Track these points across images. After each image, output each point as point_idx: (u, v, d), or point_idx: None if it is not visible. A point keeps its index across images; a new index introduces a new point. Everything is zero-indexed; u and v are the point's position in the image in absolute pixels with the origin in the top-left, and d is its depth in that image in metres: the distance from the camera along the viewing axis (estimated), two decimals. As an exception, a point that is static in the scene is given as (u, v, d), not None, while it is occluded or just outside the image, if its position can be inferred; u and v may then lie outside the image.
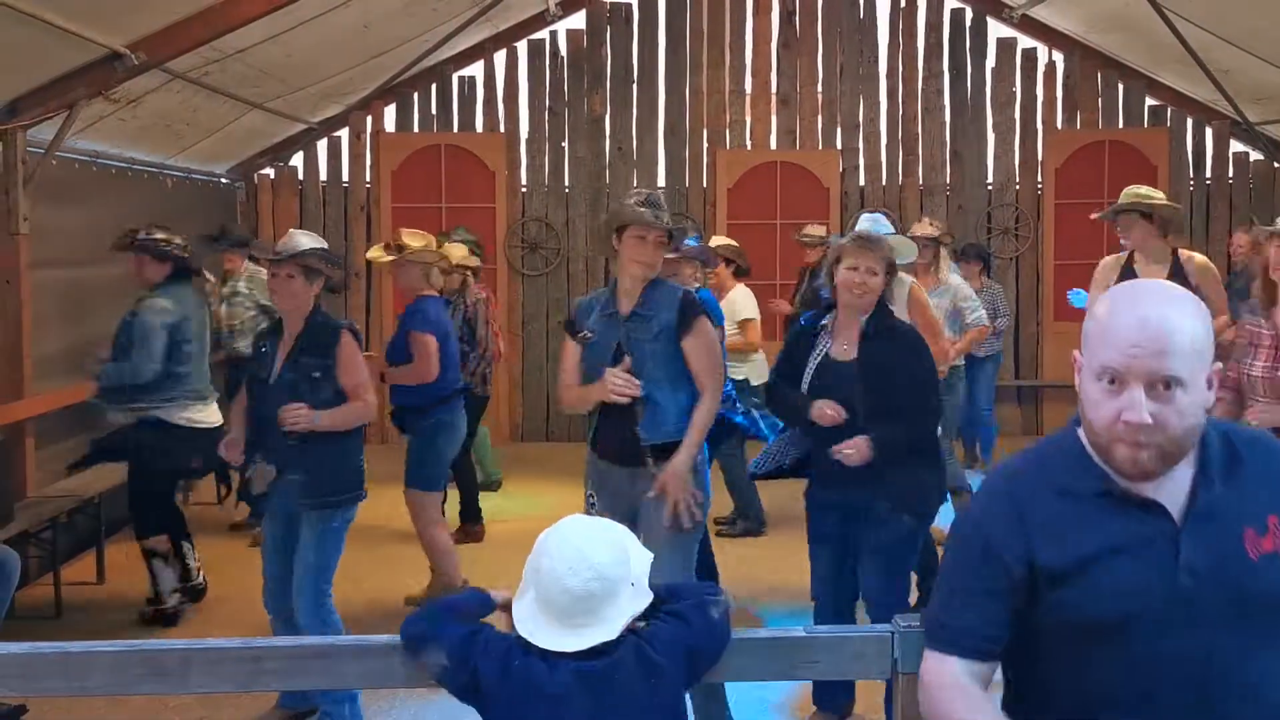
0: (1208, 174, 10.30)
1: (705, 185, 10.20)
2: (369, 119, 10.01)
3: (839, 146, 10.23)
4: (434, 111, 10.17)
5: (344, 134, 10.06)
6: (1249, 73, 8.77)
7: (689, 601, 2.53)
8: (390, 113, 10.16)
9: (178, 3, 6.00)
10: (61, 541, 5.96)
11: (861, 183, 10.25)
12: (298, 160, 10.10)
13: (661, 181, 10.23)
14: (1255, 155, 10.23)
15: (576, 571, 2.39)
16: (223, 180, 9.57)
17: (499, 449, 8.57)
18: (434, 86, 10.13)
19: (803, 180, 10.02)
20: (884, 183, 10.26)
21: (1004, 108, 10.27)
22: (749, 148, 10.26)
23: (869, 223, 5.22)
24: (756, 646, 2.62)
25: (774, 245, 9.94)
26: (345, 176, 10.09)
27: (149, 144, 7.74)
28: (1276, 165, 10.16)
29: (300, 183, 10.07)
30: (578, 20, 10.17)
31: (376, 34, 8.17)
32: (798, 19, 10.22)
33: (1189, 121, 10.26)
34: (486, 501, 7.18)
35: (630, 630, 2.49)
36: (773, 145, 10.26)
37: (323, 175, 10.10)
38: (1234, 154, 10.27)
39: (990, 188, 10.29)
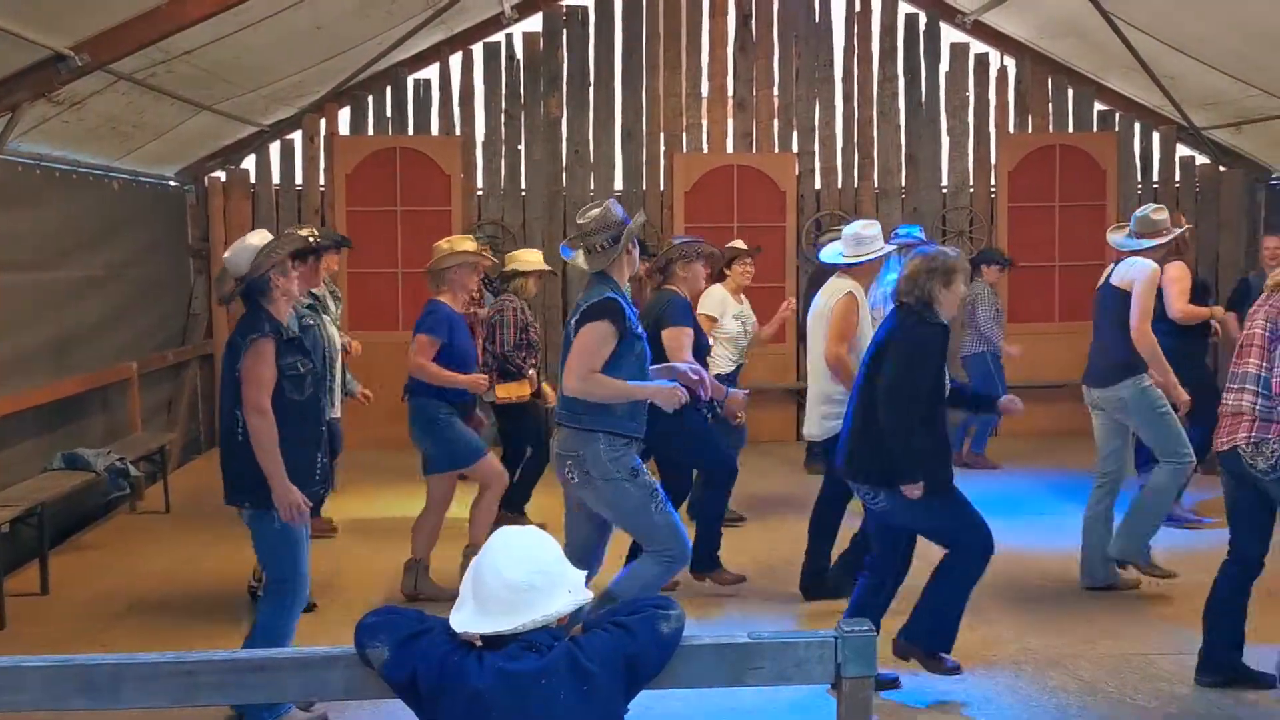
0: (1155, 177, 10.45)
1: (662, 188, 10.20)
2: (323, 121, 9.92)
3: (795, 150, 10.27)
4: (389, 114, 10.10)
5: (297, 136, 9.96)
6: (1195, 79, 8.90)
7: (640, 615, 2.57)
8: (344, 115, 10.07)
9: (123, 3, 5.91)
10: (2, 552, 5.85)
11: (818, 186, 10.29)
12: (249, 163, 9.98)
13: (618, 185, 10.23)
14: (1201, 159, 10.39)
15: (519, 564, 2.47)
16: (172, 183, 9.45)
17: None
18: (388, 89, 10.06)
19: (759, 183, 10.05)
20: (840, 186, 10.31)
21: (958, 112, 10.35)
22: (706, 151, 10.27)
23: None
24: (702, 654, 2.64)
25: (730, 248, 9.98)
26: (299, 179, 9.99)
27: (95, 146, 7.62)
28: (1222, 169, 10.33)
29: (252, 185, 9.96)
30: (534, 23, 10.14)
31: (329, 36, 8.10)
32: (754, 22, 10.25)
33: (1137, 126, 10.40)
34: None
35: (569, 637, 2.52)
36: (729, 148, 10.28)
37: (276, 178, 9.99)
38: (1180, 158, 10.43)
39: (945, 190, 10.37)
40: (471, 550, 5.71)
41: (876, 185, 10.31)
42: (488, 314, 6.95)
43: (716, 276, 7.03)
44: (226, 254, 4.39)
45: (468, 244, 5.90)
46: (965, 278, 4.53)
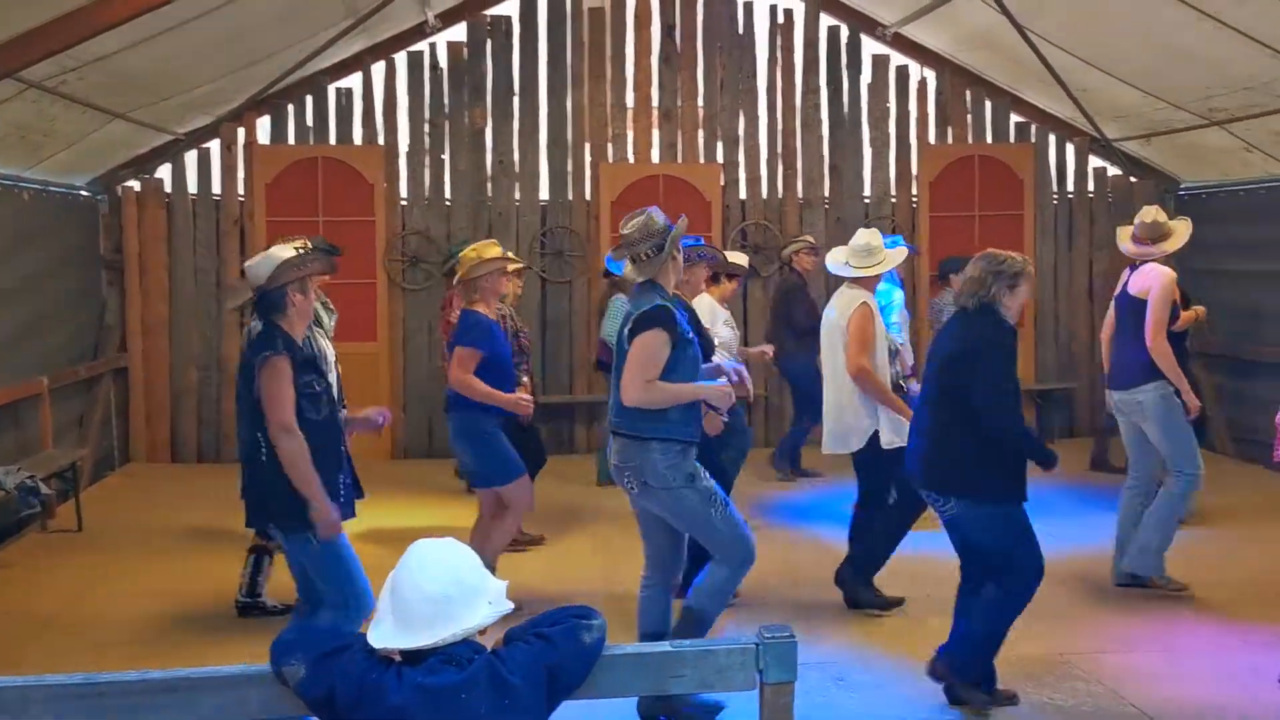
0: (1070, 188, 10.70)
1: (588, 198, 10.20)
2: (241, 130, 9.75)
3: (720, 160, 10.33)
4: (310, 123, 9.95)
5: (214, 145, 9.78)
6: (1105, 92, 9.14)
7: (561, 625, 2.56)
8: (264, 124, 9.91)
9: (31, 9, 5.75)
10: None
11: (742, 196, 10.37)
12: (164, 172, 9.77)
13: (544, 195, 10.20)
14: (1113, 170, 10.67)
15: (436, 577, 2.45)
16: (83, 193, 9.20)
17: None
18: (309, 98, 9.92)
19: (685, 193, 10.09)
20: (764, 196, 10.40)
21: (879, 123, 10.50)
22: (631, 161, 10.30)
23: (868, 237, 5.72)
24: (624, 662, 2.64)
25: (657, 258, 10.01)
26: (216, 189, 9.80)
27: (4, 156, 7.40)
28: (1133, 180, 10.61)
29: (167, 195, 9.75)
30: (457, 33, 10.08)
31: (246, 43, 7.97)
32: (678, 34, 10.30)
33: (1052, 137, 10.65)
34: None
35: (490, 650, 2.50)
36: (655, 158, 10.31)
37: (192, 188, 9.79)
38: (1093, 169, 10.70)
39: (867, 201, 10.51)
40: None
41: (800, 195, 10.41)
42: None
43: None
44: (249, 263, 4.30)
45: (494, 250, 5.82)
46: (1030, 283, 4.54)
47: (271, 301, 4.18)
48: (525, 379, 6.67)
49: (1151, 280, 5.79)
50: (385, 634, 2.46)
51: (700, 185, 10.17)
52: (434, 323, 9.96)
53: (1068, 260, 10.68)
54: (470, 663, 2.43)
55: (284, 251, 4.24)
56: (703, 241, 6.28)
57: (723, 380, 4.45)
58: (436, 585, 2.44)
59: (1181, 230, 5.94)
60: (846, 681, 4.79)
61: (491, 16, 10.09)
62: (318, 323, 5.90)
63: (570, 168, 10.22)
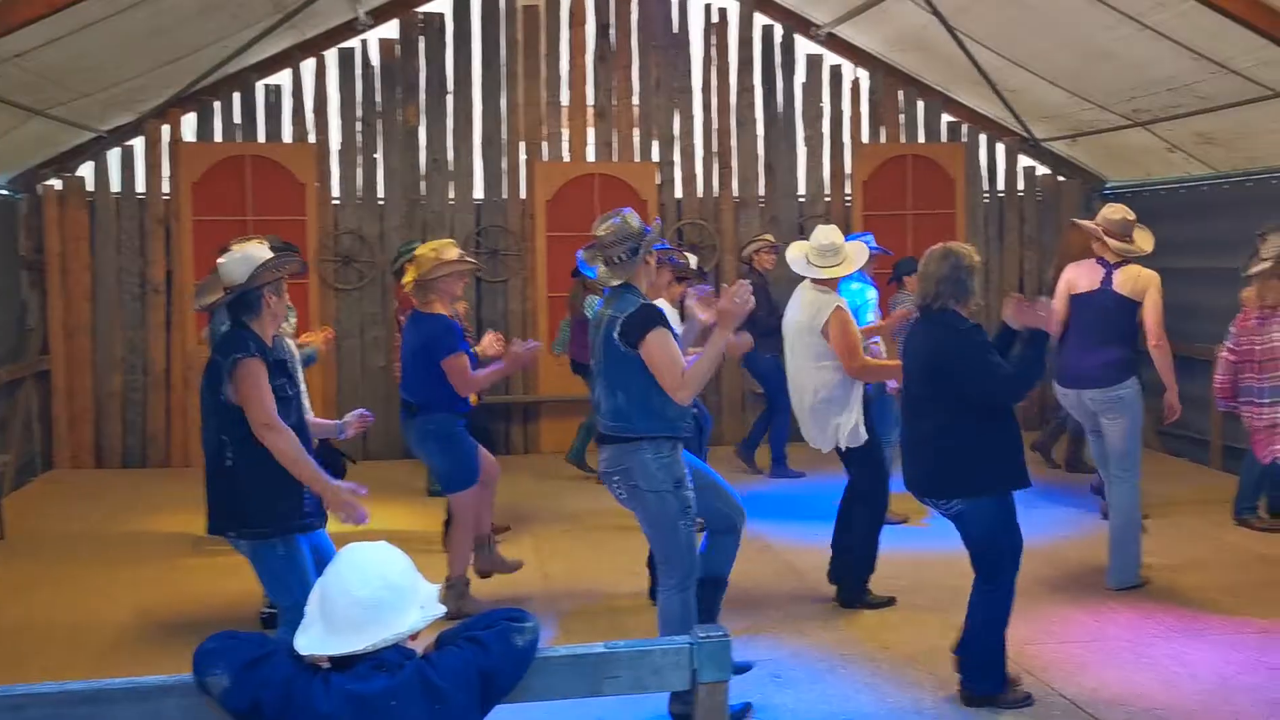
0: (1000, 187, 10.86)
1: (523, 197, 10.14)
2: (166, 128, 9.54)
3: (656, 159, 10.33)
4: (238, 120, 9.77)
5: (138, 143, 9.55)
6: (1034, 92, 9.30)
7: (493, 628, 2.53)
8: (190, 121, 9.70)
9: (-58, 2, 5.57)
10: None
11: (678, 195, 10.38)
12: (86, 170, 9.52)
13: (479, 194, 10.13)
14: (1042, 170, 10.85)
15: (366, 581, 2.41)
16: (3, 192, 8.94)
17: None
18: (237, 95, 9.74)
19: (620, 192, 10.05)
20: (700, 195, 10.42)
21: (813, 122, 10.58)
22: (566, 159, 10.26)
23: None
24: (558, 665, 2.61)
25: (593, 257, 9.99)
26: (141, 188, 9.58)
27: (-84, 153, 7.18)
28: (1061, 179, 10.80)
29: (90, 194, 9.51)
30: (389, 30, 9.96)
31: (171, 38, 7.79)
32: (613, 33, 10.28)
33: (983, 137, 10.80)
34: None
35: (421, 655, 2.46)
36: (590, 157, 10.28)
37: (115, 186, 9.56)
38: (1023, 168, 10.87)
39: (802, 199, 10.57)
40: (453, 582, 5.57)
41: (736, 194, 10.45)
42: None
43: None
44: (222, 260, 4.16)
45: (453, 251, 5.71)
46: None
47: (247, 303, 4.08)
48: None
49: (1148, 282, 5.84)
50: (313, 640, 2.41)
51: (636, 184, 10.16)
52: (367, 323, 9.85)
53: (998, 258, 10.84)
54: (401, 668, 2.39)
55: (261, 251, 4.14)
56: (667, 245, 6.25)
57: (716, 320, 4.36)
58: (367, 589, 2.39)
59: (1143, 238, 6.03)
60: (784, 678, 4.81)
61: (424, 14, 9.99)
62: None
63: (505, 166, 10.15)
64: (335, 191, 9.92)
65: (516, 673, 2.53)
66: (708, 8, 10.39)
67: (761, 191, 10.49)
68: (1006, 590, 4.47)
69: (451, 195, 10.07)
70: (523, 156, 10.17)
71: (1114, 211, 6.05)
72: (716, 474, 4.76)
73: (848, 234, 7.27)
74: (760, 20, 10.45)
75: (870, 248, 6.54)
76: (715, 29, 10.42)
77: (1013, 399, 4.43)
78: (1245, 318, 4.60)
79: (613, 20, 10.27)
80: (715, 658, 2.57)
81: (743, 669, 4.54)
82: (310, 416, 4.63)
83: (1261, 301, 4.54)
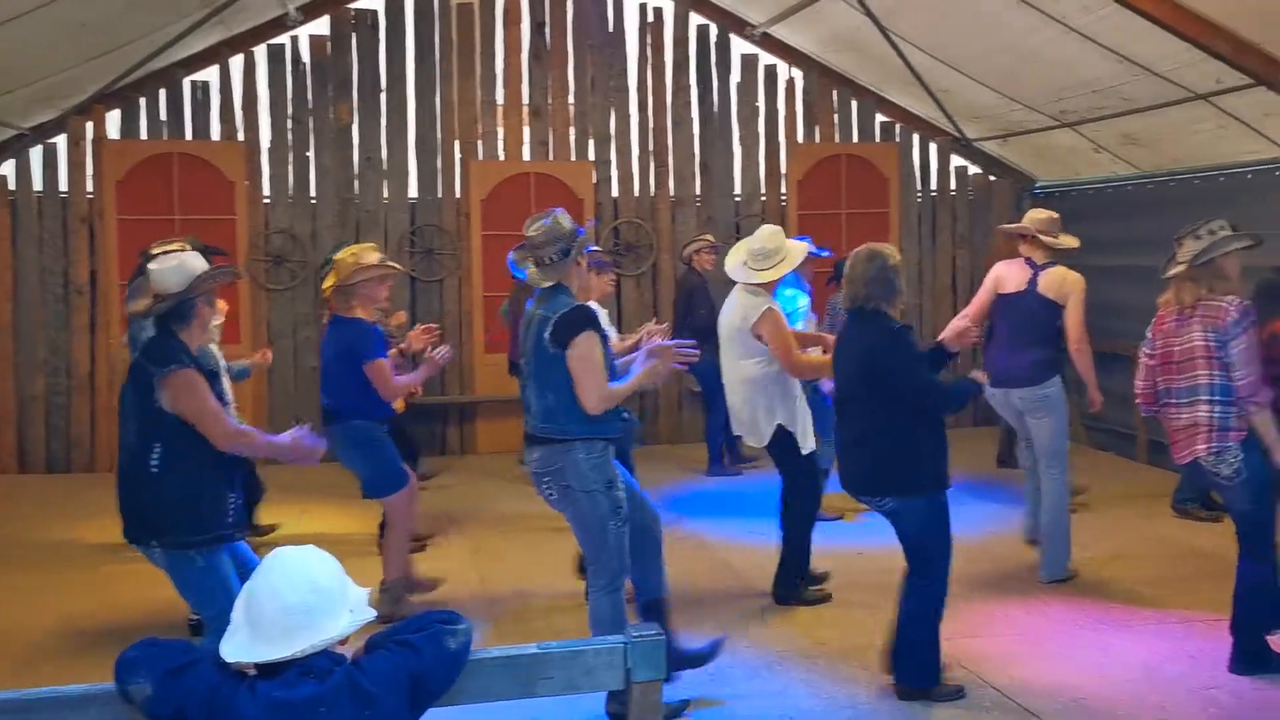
0: (933, 186, 11.00)
1: (458, 196, 10.06)
2: (90, 125, 9.31)
3: (592, 158, 10.31)
4: (164, 118, 9.58)
5: (61, 140, 9.32)
6: (965, 93, 9.43)
7: (425, 631, 2.50)
8: (114, 118, 9.49)
9: None
10: None
11: (615, 194, 10.37)
12: (8, 169, 9.27)
13: (413, 192, 10.03)
14: (974, 169, 11.01)
15: (295, 586, 2.37)
16: (-80, 190, 8.68)
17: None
18: (163, 91, 9.55)
19: (557, 191, 10.03)
20: (636, 194, 10.41)
21: (749, 121, 10.63)
22: (502, 158, 10.20)
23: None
24: (491, 666, 2.58)
25: (529, 256, 9.95)
26: (63, 186, 9.35)
27: None
28: (992, 178, 10.97)
29: (11, 193, 9.25)
30: (320, 26, 9.82)
31: (96, 33, 7.61)
32: (548, 31, 10.24)
33: (915, 137, 10.93)
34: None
35: (350, 660, 2.42)
36: (526, 156, 10.23)
37: (37, 185, 9.32)
38: (955, 168, 11.02)
39: (738, 199, 10.62)
40: (388, 586, 5.50)
41: (672, 193, 10.46)
42: None
43: None
44: (154, 266, 4.07)
45: (373, 255, 5.61)
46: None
47: (180, 313, 4.01)
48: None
49: (1072, 284, 5.93)
50: (239, 647, 2.36)
51: (572, 183, 10.13)
52: (300, 324, 9.71)
53: (931, 257, 10.98)
54: (330, 674, 2.35)
55: (197, 261, 4.08)
56: (594, 248, 6.22)
57: (651, 360, 4.35)
58: (296, 595, 2.35)
59: (1067, 239, 6.13)
60: (721, 676, 4.81)
61: (355, 10, 9.88)
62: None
63: (440, 165, 10.07)
64: (266, 190, 9.76)
65: (449, 675, 2.51)
66: (643, 7, 10.39)
67: (698, 191, 10.52)
68: (939, 585, 4.53)
69: (385, 194, 9.96)
70: (458, 155, 10.09)
71: (1040, 213, 6.17)
72: (634, 480, 4.72)
73: (805, 236, 7.37)
74: (695, 20, 10.48)
75: (811, 252, 6.59)
76: (650, 28, 10.43)
77: (936, 409, 4.50)
78: (1162, 320, 4.70)
79: (548, 19, 10.23)
80: (649, 657, 2.57)
81: (698, 657, 4.56)
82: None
83: (1179, 304, 4.64)
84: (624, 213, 10.35)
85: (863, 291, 4.50)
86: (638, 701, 2.58)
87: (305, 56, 9.80)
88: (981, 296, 6.23)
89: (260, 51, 9.73)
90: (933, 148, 10.96)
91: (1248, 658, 4.72)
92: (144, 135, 9.53)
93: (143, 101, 9.51)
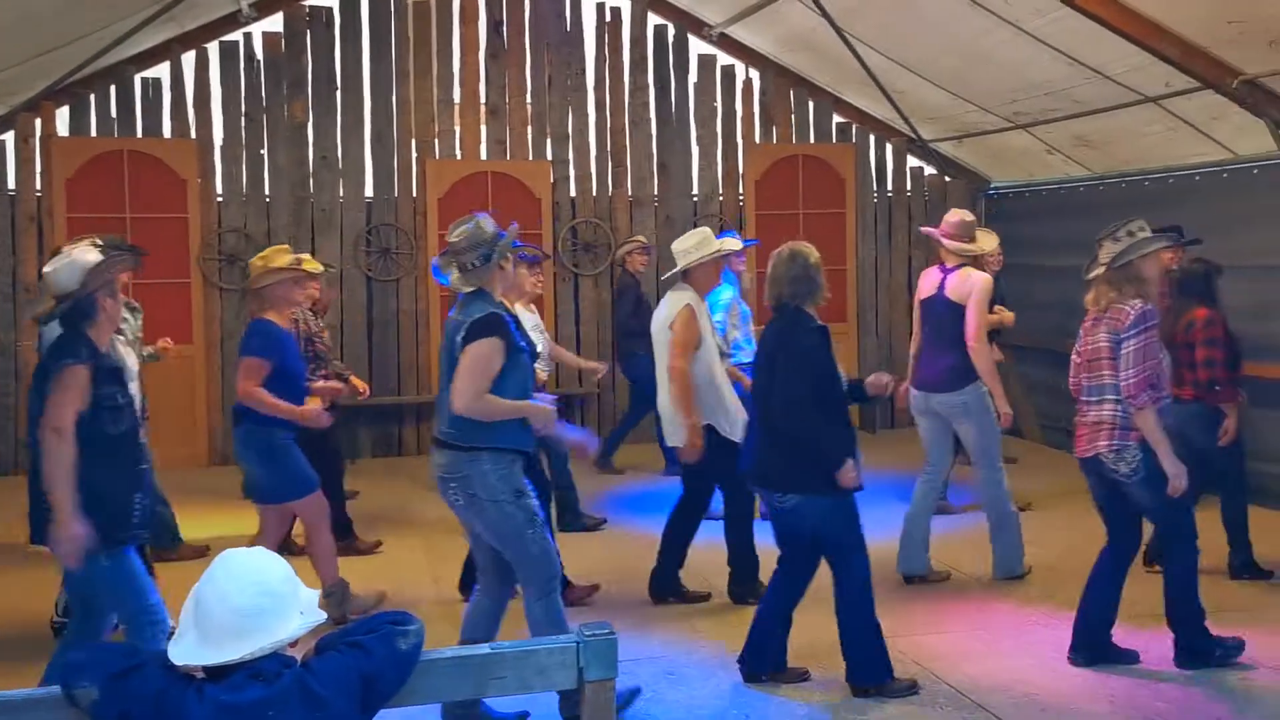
0: (889, 187, 11.08)
1: (415, 195, 10.00)
2: (38, 121, 9.16)
3: (549, 157, 10.28)
4: (114, 115, 9.44)
5: (9, 137, 9.16)
6: (919, 94, 9.50)
7: (376, 632, 2.48)
8: (63, 115, 9.33)
9: None
10: None
11: (573, 193, 10.35)
12: (-46, 166, 9.11)
13: (369, 191, 9.96)
14: (929, 170, 11.10)
15: (244, 589, 2.34)
16: None
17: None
18: (113, 88, 9.40)
19: (514, 190, 10.01)
20: (594, 193, 10.40)
21: (706, 122, 10.65)
22: (459, 157, 10.14)
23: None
24: (443, 666, 2.57)
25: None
26: (11, 184, 9.18)
27: None
28: (947, 179, 11.07)
29: (-42, 191, 9.10)
30: (274, 23, 9.72)
31: (44, 29, 7.47)
32: (505, 30, 10.20)
33: (872, 138, 11.01)
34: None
35: (300, 662, 2.40)
36: (483, 155, 10.19)
37: (-15, 182, 9.16)
38: (911, 168, 11.11)
39: (696, 199, 10.64)
40: (330, 590, 5.41)
41: (630, 193, 10.46)
42: None
43: None
44: (48, 268, 3.98)
45: (283, 258, 5.51)
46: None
47: (83, 310, 3.92)
48: (320, 383, 6.46)
49: (972, 285, 5.94)
50: (187, 649, 2.33)
51: (529, 182, 10.10)
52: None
53: (888, 257, 11.06)
54: (278, 677, 2.32)
55: (89, 254, 3.96)
56: (519, 243, 6.13)
57: (549, 399, 4.37)
58: (245, 597, 2.32)
59: (985, 239, 6.17)
60: (676, 675, 4.82)
61: (310, 7, 9.78)
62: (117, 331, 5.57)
63: (396, 164, 10.00)
64: (219, 188, 9.65)
65: (400, 676, 2.49)
66: (600, 7, 10.38)
67: (656, 191, 10.53)
68: (861, 583, 4.53)
69: (341, 193, 9.88)
70: (414, 154, 10.03)
71: (954, 215, 6.15)
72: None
73: (725, 233, 7.43)
74: (653, 19, 10.48)
75: (744, 243, 6.72)
76: (608, 28, 10.42)
77: (790, 426, 4.44)
78: (1086, 319, 4.81)
79: (505, 17, 10.19)
80: (601, 655, 2.56)
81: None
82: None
83: (1096, 305, 4.73)
84: (582, 212, 10.34)
85: (786, 290, 4.55)
86: (590, 700, 2.57)
87: (259, 53, 9.69)
88: (916, 306, 6.29)
89: (213, 48, 9.61)
90: (889, 148, 11.04)
91: (1192, 652, 4.80)
92: (94, 132, 9.38)
93: (93, 98, 9.37)
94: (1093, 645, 4.87)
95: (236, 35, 9.61)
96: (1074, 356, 4.88)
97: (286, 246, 5.88)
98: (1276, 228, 7.40)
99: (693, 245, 5.70)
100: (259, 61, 9.69)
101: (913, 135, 10.58)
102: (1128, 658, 4.88)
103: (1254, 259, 7.55)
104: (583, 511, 7.28)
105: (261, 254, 5.63)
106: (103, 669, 2.36)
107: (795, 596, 4.73)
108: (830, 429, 4.46)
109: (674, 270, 5.72)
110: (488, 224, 4.29)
